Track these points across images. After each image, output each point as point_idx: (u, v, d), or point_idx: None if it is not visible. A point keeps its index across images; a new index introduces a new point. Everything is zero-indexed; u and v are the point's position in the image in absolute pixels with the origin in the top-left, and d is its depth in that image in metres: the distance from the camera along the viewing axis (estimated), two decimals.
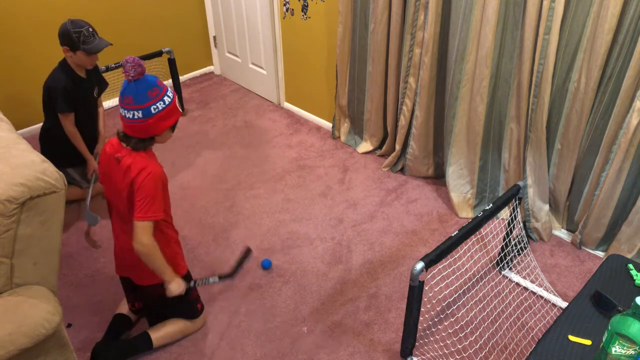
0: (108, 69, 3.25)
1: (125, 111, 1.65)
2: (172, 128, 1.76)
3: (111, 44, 2.51)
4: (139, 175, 1.68)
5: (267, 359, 2.02)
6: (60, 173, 1.57)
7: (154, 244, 1.74)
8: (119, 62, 3.29)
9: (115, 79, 3.77)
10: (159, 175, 1.72)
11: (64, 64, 2.52)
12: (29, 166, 1.51)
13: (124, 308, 2.15)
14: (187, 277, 1.97)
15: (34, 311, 1.47)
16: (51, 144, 2.68)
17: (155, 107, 1.65)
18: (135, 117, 1.64)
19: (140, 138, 1.71)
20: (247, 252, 2.11)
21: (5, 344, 1.39)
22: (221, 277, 2.00)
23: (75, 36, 2.38)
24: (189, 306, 2.06)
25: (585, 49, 2.13)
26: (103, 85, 2.74)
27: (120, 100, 1.66)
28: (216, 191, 2.96)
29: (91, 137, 2.74)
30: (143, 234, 1.70)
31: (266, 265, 2.42)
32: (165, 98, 1.68)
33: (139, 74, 1.61)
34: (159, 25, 3.86)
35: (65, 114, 2.54)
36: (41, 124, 2.69)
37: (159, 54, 3.47)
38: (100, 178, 1.89)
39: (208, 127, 3.59)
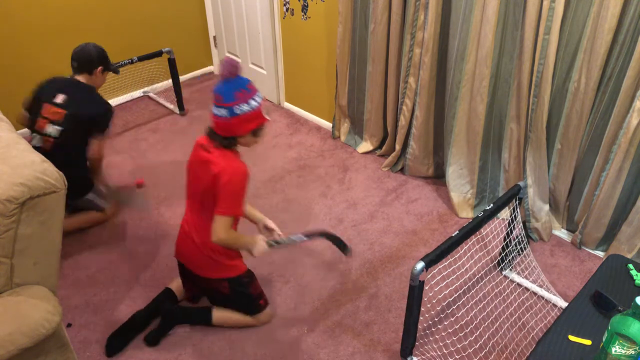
0: None
1: (214, 107, 1.73)
2: (255, 133, 1.80)
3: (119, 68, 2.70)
4: (224, 173, 1.74)
5: (267, 359, 2.02)
6: (60, 173, 1.57)
7: (230, 236, 1.82)
8: (119, 62, 3.29)
9: (115, 79, 3.78)
10: (244, 173, 1.77)
11: (91, 87, 2.51)
12: (29, 166, 1.51)
13: (174, 284, 2.21)
14: (247, 273, 2.02)
15: (34, 311, 1.47)
16: (78, 173, 2.54)
17: (239, 107, 1.70)
18: (221, 114, 1.72)
19: (223, 136, 1.77)
20: (343, 247, 2.05)
21: (5, 344, 1.39)
22: (308, 236, 2.00)
23: (106, 56, 2.50)
24: (250, 302, 2.06)
25: (585, 49, 2.13)
26: None
27: (213, 98, 1.73)
28: None
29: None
30: (221, 229, 1.78)
31: None
32: (252, 101, 1.73)
33: (231, 74, 1.67)
34: (159, 25, 3.86)
35: (106, 137, 2.56)
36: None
37: (159, 54, 3.48)
38: (187, 166, 1.95)
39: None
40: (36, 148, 2.33)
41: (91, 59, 2.48)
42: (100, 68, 2.51)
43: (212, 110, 1.75)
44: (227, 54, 1.69)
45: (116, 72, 2.64)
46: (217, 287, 1.99)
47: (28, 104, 2.55)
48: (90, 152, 2.51)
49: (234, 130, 1.76)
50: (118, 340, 2.05)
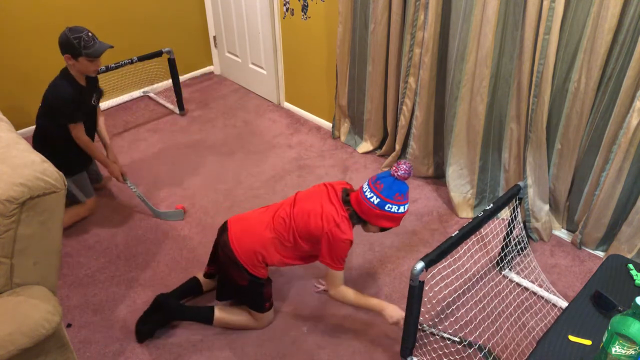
0: (108, 69, 3.26)
1: (369, 190, 1.84)
2: (382, 229, 1.94)
3: (112, 47, 2.49)
4: (340, 240, 1.85)
5: (267, 359, 2.02)
6: (60, 173, 1.57)
7: (345, 291, 1.98)
8: (119, 62, 3.29)
9: (115, 79, 3.78)
10: (349, 241, 1.87)
11: (65, 72, 2.47)
12: (29, 166, 1.51)
13: (200, 274, 2.28)
14: (268, 279, 2.08)
15: (34, 311, 1.47)
16: (49, 153, 2.58)
17: (389, 206, 1.83)
18: (372, 200, 1.83)
19: (358, 213, 1.89)
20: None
21: (5, 344, 1.39)
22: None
23: (75, 42, 2.35)
24: (258, 299, 2.08)
25: (585, 49, 2.13)
26: (99, 92, 2.70)
27: (371, 181, 1.86)
28: (216, 191, 2.96)
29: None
30: (338, 281, 1.96)
31: None
32: (401, 208, 1.85)
33: (405, 179, 1.81)
34: (159, 25, 3.86)
35: (76, 123, 2.50)
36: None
37: (159, 54, 3.47)
38: (302, 193, 2.07)
39: (208, 127, 3.59)
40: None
41: (59, 47, 2.40)
42: (67, 55, 2.39)
43: (363, 188, 1.86)
44: (402, 160, 1.78)
45: (92, 55, 2.41)
46: (238, 277, 2.00)
47: None
48: (74, 138, 2.55)
49: (369, 218, 1.88)
50: (146, 326, 2.09)
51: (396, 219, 1.87)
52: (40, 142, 2.60)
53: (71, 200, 2.64)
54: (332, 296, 1.99)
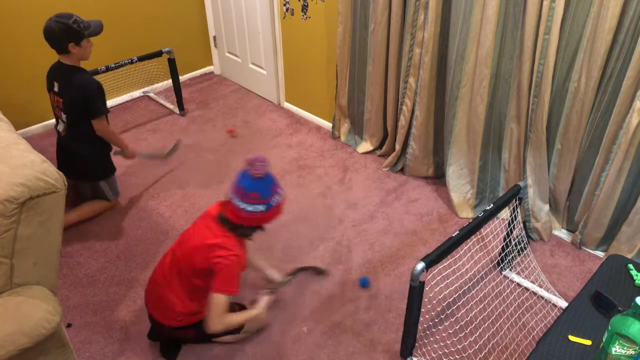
0: (108, 69, 3.26)
1: (246, 205, 1.74)
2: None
3: (101, 21, 2.47)
4: (223, 256, 1.77)
5: (267, 359, 2.02)
6: (60, 173, 1.56)
7: (229, 317, 1.86)
8: (119, 62, 3.29)
9: (115, 79, 3.78)
10: (239, 259, 1.81)
11: (75, 66, 2.43)
12: (29, 166, 1.51)
13: None
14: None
15: (34, 311, 1.47)
16: (84, 159, 2.58)
17: (275, 200, 1.78)
18: (258, 210, 1.76)
19: (250, 226, 1.82)
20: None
21: (5, 344, 1.39)
22: (292, 274, 2.28)
23: (75, 27, 2.30)
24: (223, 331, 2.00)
25: (585, 49, 2.13)
26: None
27: (240, 194, 1.74)
28: (216, 191, 2.96)
29: None
30: (218, 311, 1.79)
31: (364, 283, 2.32)
32: (280, 190, 1.81)
33: (260, 174, 1.72)
34: (159, 25, 3.86)
35: (104, 115, 2.49)
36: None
37: (159, 54, 3.47)
38: (185, 232, 1.96)
39: (208, 127, 3.59)
40: (57, 132, 2.60)
41: (57, 39, 2.32)
42: (71, 44, 2.33)
43: (239, 205, 1.75)
44: (251, 159, 1.72)
45: (93, 34, 2.41)
46: (184, 334, 1.98)
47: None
48: (97, 131, 2.53)
49: (265, 221, 1.82)
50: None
51: (282, 203, 1.84)
52: (70, 152, 2.55)
53: (99, 197, 2.70)
54: (215, 328, 1.82)
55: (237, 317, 1.96)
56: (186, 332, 1.96)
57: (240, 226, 1.82)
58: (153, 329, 2.05)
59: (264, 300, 2.02)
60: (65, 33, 2.31)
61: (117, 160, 2.75)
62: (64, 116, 2.50)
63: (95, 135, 2.55)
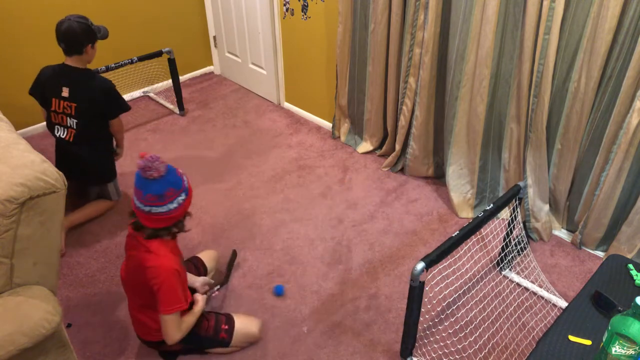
0: (108, 69, 3.26)
1: (169, 204, 1.65)
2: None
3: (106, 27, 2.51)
4: (155, 275, 1.69)
5: (267, 359, 2.02)
6: (60, 173, 1.56)
7: (183, 331, 1.80)
8: (119, 62, 3.30)
9: (115, 79, 3.77)
10: (172, 270, 1.71)
11: (88, 69, 2.44)
12: (29, 166, 1.51)
13: (204, 255, 2.28)
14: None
15: (34, 311, 1.47)
16: (95, 163, 2.59)
17: (181, 198, 1.68)
18: (181, 200, 1.68)
19: (169, 226, 1.72)
20: (234, 255, 2.30)
21: (5, 344, 1.39)
22: (218, 285, 2.16)
23: (94, 27, 2.33)
24: (209, 343, 1.98)
25: (585, 49, 2.13)
26: None
27: (156, 201, 1.63)
28: (216, 191, 2.96)
29: None
30: (172, 328, 1.74)
31: (279, 292, 2.30)
32: (185, 185, 1.70)
33: (161, 171, 1.62)
34: (159, 25, 3.86)
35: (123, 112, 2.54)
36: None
37: (159, 54, 3.48)
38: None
39: (208, 127, 3.59)
40: (60, 139, 2.52)
41: (78, 40, 2.32)
42: (89, 45, 2.36)
43: (140, 207, 1.64)
44: (142, 162, 1.62)
45: (103, 37, 2.43)
46: (172, 349, 1.96)
47: (37, 99, 2.53)
48: (113, 130, 2.56)
49: (188, 205, 1.73)
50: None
51: (190, 195, 1.74)
52: (80, 157, 2.54)
53: (104, 197, 2.72)
54: (174, 340, 1.77)
55: (190, 319, 1.85)
56: (174, 346, 1.92)
57: (165, 228, 1.72)
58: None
59: (201, 300, 1.93)
60: (85, 33, 2.32)
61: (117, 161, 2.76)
62: (71, 121, 2.46)
63: (103, 138, 2.58)
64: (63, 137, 2.50)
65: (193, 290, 2.03)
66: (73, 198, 2.61)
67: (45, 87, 2.45)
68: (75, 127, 2.47)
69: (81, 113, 2.44)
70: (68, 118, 2.46)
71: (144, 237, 1.72)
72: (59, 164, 2.60)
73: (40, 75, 2.48)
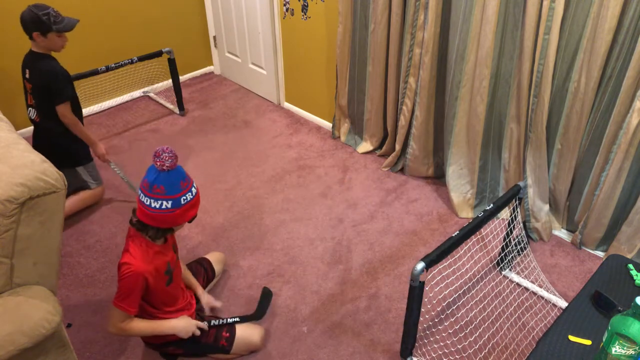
0: (108, 69, 3.26)
1: (152, 200, 1.61)
2: (191, 220, 1.74)
3: (78, 21, 2.50)
4: (124, 266, 1.67)
5: (267, 358, 2.02)
6: (60, 173, 1.57)
7: (127, 328, 1.74)
8: (119, 62, 3.30)
9: (115, 79, 3.78)
10: (141, 274, 1.68)
11: (43, 54, 2.48)
12: (29, 166, 1.51)
13: (211, 256, 2.29)
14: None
15: (34, 311, 1.47)
16: (55, 144, 2.62)
17: (184, 197, 1.64)
18: (164, 207, 1.62)
19: (160, 228, 1.69)
20: (267, 294, 2.16)
21: (5, 344, 1.39)
22: (243, 318, 2.02)
23: (45, 18, 2.37)
24: (210, 349, 1.96)
25: (585, 49, 2.13)
26: None
27: (145, 188, 1.62)
28: (216, 191, 2.96)
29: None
30: (111, 320, 1.73)
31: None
32: (193, 189, 1.69)
33: (174, 164, 1.60)
34: (159, 25, 3.86)
35: (69, 101, 2.52)
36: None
37: (159, 54, 3.48)
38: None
39: (208, 127, 3.59)
40: (31, 120, 2.64)
41: (26, 27, 2.41)
42: (36, 33, 2.40)
43: (145, 202, 1.63)
44: (159, 150, 1.61)
45: (63, 29, 2.44)
46: (173, 351, 1.96)
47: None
48: (60, 117, 2.55)
49: (176, 221, 1.68)
50: None
51: (196, 202, 1.71)
52: (43, 137, 2.62)
53: (79, 187, 2.72)
54: (113, 332, 1.76)
55: (144, 328, 1.80)
56: (175, 349, 1.94)
57: (150, 227, 1.69)
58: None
59: (190, 326, 1.86)
60: (30, 21, 2.39)
61: (117, 161, 2.75)
62: (34, 102, 2.57)
63: (62, 128, 2.58)
64: (32, 117, 2.62)
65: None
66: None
67: (21, 69, 2.59)
68: (36, 108, 2.58)
69: (35, 93, 2.54)
70: (33, 98, 2.57)
71: (135, 229, 1.72)
72: (33, 147, 2.65)
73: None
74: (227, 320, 1.99)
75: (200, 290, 2.08)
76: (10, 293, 1.51)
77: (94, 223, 2.70)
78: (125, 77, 3.83)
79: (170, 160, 1.58)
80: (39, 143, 2.65)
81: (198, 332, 1.88)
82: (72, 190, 2.70)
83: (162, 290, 1.81)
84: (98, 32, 3.56)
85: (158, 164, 1.58)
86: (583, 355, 1.44)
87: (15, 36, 3.21)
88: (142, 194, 1.64)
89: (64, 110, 2.52)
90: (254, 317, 2.06)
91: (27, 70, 2.53)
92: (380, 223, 2.71)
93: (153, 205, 1.62)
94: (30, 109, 2.62)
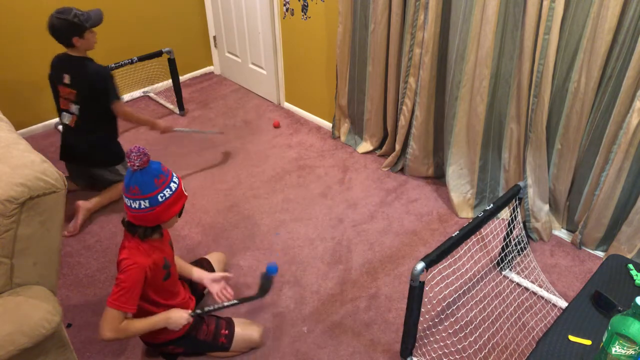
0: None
1: (131, 201, 1.62)
2: (179, 213, 1.73)
3: (100, 10, 2.54)
4: (125, 260, 1.67)
5: (267, 358, 2.02)
6: (60, 173, 1.56)
7: (125, 329, 1.70)
8: (119, 62, 3.30)
9: (116, 79, 3.77)
10: (143, 268, 1.68)
11: (84, 57, 2.51)
12: (29, 166, 1.51)
13: (212, 257, 2.27)
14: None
15: (34, 311, 1.47)
16: (98, 145, 2.67)
17: (162, 195, 1.63)
18: (142, 206, 1.62)
19: (147, 227, 1.69)
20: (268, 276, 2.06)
21: (5, 344, 1.39)
22: (245, 299, 1.96)
23: (76, 20, 2.38)
24: (209, 347, 1.96)
25: (585, 49, 2.13)
26: None
27: (124, 191, 1.63)
28: (216, 191, 2.96)
29: None
30: (106, 321, 1.66)
31: (272, 271, 2.12)
32: (172, 184, 1.67)
33: (145, 162, 1.59)
34: (159, 25, 3.86)
35: (120, 99, 2.59)
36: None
37: (159, 54, 3.48)
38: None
39: (208, 127, 3.58)
40: (64, 125, 2.67)
41: (62, 35, 2.42)
42: (75, 37, 2.43)
43: (126, 203, 1.63)
44: (129, 151, 1.59)
45: (95, 24, 2.49)
46: (173, 351, 1.95)
47: (50, 85, 2.65)
48: (118, 114, 2.61)
49: (160, 219, 1.67)
50: None
51: (178, 196, 1.69)
52: (83, 140, 2.63)
53: (116, 181, 2.77)
54: (105, 337, 1.67)
55: (141, 326, 1.77)
56: (174, 348, 1.93)
57: (139, 227, 1.69)
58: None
59: (182, 318, 1.82)
60: (67, 28, 2.40)
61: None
62: (74, 107, 2.57)
63: (107, 121, 2.65)
64: (67, 122, 2.62)
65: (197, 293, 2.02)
66: (77, 187, 2.85)
67: (53, 74, 2.60)
68: (77, 113, 2.58)
69: (81, 98, 2.55)
70: (72, 104, 2.57)
71: (127, 230, 1.72)
72: (64, 152, 2.73)
73: (52, 63, 2.61)
74: (235, 301, 1.94)
75: (197, 273, 2.03)
76: (10, 293, 1.52)
77: (94, 223, 2.70)
78: (125, 77, 3.83)
79: (139, 159, 1.57)
80: (78, 145, 2.66)
81: (191, 320, 1.84)
82: (103, 187, 2.77)
83: (160, 286, 1.81)
84: (98, 32, 3.55)
85: (129, 164, 1.58)
86: (583, 355, 1.44)
87: (15, 37, 3.21)
88: (124, 195, 1.65)
89: (119, 107, 2.58)
90: (257, 296, 1.98)
91: (66, 76, 2.52)
92: (380, 223, 2.71)
93: (133, 205, 1.63)
94: (64, 113, 2.61)
